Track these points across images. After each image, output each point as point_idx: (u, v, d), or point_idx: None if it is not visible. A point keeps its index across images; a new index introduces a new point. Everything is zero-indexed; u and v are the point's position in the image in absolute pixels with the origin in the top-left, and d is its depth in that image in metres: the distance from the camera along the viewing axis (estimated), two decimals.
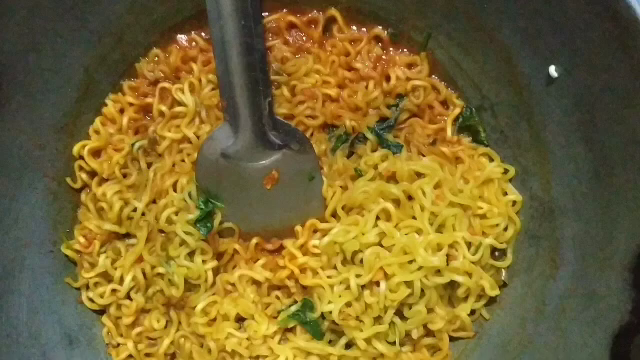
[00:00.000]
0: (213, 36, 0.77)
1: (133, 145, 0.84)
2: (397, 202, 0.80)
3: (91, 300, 0.84)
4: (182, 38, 0.87)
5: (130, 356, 0.83)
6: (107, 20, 0.81)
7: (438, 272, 0.78)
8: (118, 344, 0.84)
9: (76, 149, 0.84)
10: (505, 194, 0.83)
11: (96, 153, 0.85)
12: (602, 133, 0.73)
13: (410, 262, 0.77)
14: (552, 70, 0.75)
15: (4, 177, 0.78)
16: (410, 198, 0.80)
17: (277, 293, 0.82)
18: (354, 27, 0.87)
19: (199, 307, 0.81)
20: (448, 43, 0.84)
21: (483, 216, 0.81)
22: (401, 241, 0.77)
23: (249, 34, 0.76)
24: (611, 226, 0.73)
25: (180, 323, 0.82)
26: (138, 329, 0.83)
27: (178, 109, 0.84)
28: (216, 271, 0.82)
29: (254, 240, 0.83)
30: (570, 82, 0.74)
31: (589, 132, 0.74)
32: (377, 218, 0.80)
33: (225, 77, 0.77)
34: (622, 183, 0.72)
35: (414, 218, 0.79)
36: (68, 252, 0.84)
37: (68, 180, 0.84)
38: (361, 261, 0.78)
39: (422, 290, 0.78)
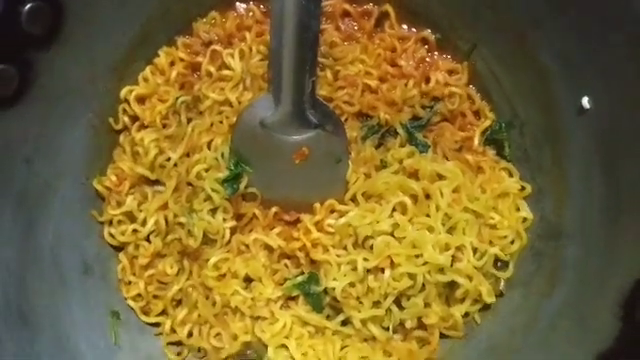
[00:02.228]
0: (272, 10, 0.79)
1: (177, 99, 0.88)
2: (415, 198, 0.84)
3: (112, 236, 0.88)
4: (241, 6, 0.91)
5: (139, 295, 0.87)
6: None
7: (441, 270, 0.81)
8: (130, 282, 0.88)
9: (123, 92, 0.88)
10: (518, 210, 0.87)
11: (141, 100, 0.89)
12: (621, 171, 0.77)
13: (417, 256, 0.81)
14: (585, 101, 0.79)
15: (55, 105, 0.81)
16: (428, 197, 0.84)
17: (287, 262, 0.86)
18: (405, 26, 0.91)
19: (212, 261, 0.85)
20: (491, 57, 0.88)
21: (493, 226, 0.85)
22: (412, 235, 0.81)
23: (307, 14, 0.78)
24: (612, 258, 0.77)
25: (191, 273, 0.86)
26: (151, 271, 0.87)
27: (225, 72, 0.88)
28: (233, 230, 0.86)
29: (274, 209, 0.87)
30: (600, 116, 0.78)
31: (609, 167, 0.78)
32: (393, 210, 0.83)
33: (276, 51, 0.80)
34: (630, 221, 0.76)
35: (428, 216, 0.83)
36: (99, 187, 0.88)
37: (110, 120, 0.88)
38: (371, 247, 0.82)
39: (423, 284, 0.81)
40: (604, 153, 0.79)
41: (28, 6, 0.74)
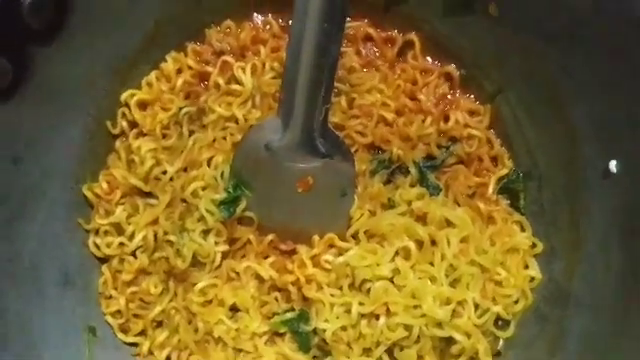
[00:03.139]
0: (292, 29, 0.74)
1: (181, 109, 0.83)
2: (420, 244, 0.79)
3: (97, 246, 0.83)
4: (258, 17, 0.86)
5: (119, 311, 0.83)
6: None
7: (439, 325, 0.77)
8: (110, 296, 0.83)
9: (125, 96, 0.83)
10: (526, 267, 0.82)
11: (142, 106, 0.84)
12: None
13: (415, 307, 0.76)
14: (612, 165, 0.75)
15: (50, 104, 0.77)
16: (433, 243, 0.79)
17: (277, 295, 0.81)
18: (429, 58, 0.86)
19: (199, 286, 0.80)
20: (516, 103, 0.83)
21: (498, 283, 0.80)
22: (413, 284, 0.77)
23: (327, 38, 0.73)
24: (622, 333, 0.72)
25: (176, 295, 0.82)
26: (134, 288, 0.83)
27: (234, 87, 0.83)
28: (225, 255, 0.81)
29: (270, 236, 0.82)
30: (626, 183, 0.74)
31: (628, 239, 0.74)
32: (396, 253, 0.79)
33: (291, 71, 0.75)
34: None
35: (432, 264, 0.79)
36: (88, 194, 0.83)
37: (108, 124, 0.84)
38: (368, 290, 0.78)
39: (418, 336, 0.77)
40: (625, 220, 0.75)
41: None
